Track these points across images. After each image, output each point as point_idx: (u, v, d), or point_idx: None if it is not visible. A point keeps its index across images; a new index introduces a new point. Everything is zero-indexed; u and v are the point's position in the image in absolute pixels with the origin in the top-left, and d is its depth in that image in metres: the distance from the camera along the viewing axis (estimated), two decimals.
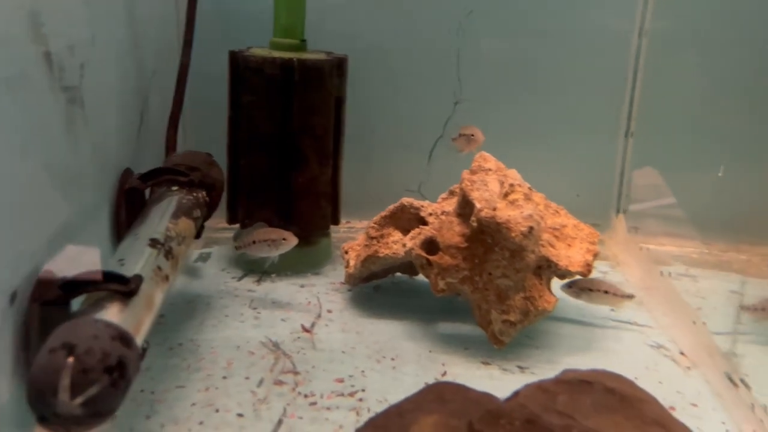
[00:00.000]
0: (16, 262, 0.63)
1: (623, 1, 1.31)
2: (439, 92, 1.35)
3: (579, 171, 1.37)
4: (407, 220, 1.07)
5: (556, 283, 1.00)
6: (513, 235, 0.90)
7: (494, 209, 0.92)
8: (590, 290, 0.98)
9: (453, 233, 0.97)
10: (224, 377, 0.85)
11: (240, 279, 1.14)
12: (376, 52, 1.31)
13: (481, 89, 1.35)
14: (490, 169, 1.03)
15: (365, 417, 0.74)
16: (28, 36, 0.67)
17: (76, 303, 0.68)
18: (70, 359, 0.58)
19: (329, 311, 1.04)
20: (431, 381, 0.82)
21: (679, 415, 0.80)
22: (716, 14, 1.23)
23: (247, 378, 0.85)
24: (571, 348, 0.97)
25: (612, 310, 1.06)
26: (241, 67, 1.12)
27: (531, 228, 0.91)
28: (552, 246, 0.99)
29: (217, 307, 1.03)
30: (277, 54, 1.11)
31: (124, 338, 0.62)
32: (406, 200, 1.07)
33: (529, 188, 1.03)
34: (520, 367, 0.92)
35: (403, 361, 0.92)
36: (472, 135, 1.08)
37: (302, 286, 1.13)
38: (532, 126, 1.35)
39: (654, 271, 1.18)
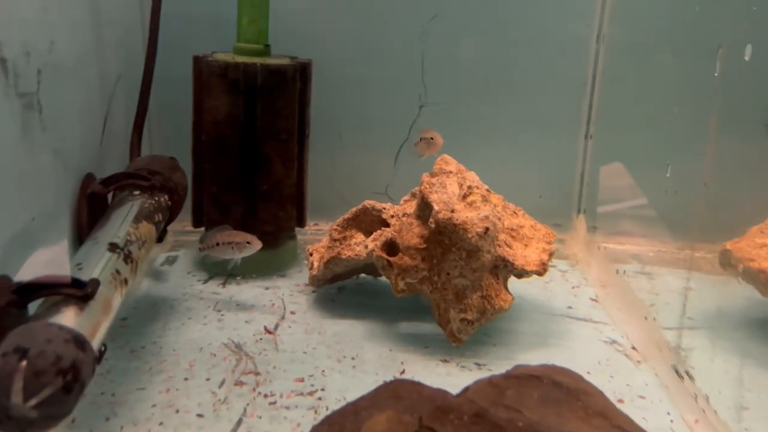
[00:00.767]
0: None
1: (582, 7, 1.34)
2: (405, 96, 1.37)
3: (541, 173, 1.40)
4: (370, 222, 1.09)
5: (513, 283, 1.02)
6: (469, 235, 0.93)
7: (452, 211, 0.95)
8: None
9: (412, 235, 0.99)
10: (185, 379, 0.86)
11: (205, 282, 1.15)
12: (342, 56, 1.33)
13: (445, 93, 1.37)
14: (450, 172, 1.05)
15: (323, 415, 0.76)
16: None
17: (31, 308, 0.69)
18: (23, 362, 0.59)
19: (293, 312, 1.06)
20: (390, 379, 0.84)
21: (627, 406, 0.83)
22: (669, 19, 1.27)
23: (208, 379, 0.86)
24: (528, 345, 1.00)
25: (569, 307, 1.09)
26: (204, 72, 1.13)
27: (487, 229, 0.93)
28: (509, 246, 1.02)
29: (181, 310, 1.04)
30: (240, 59, 1.13)
31: (78, 341, 0.63)
32: (368, 203, 1.09)
33: (487, 190, 1.05)
34: (477, 364, 0.94)
35: (363, 360, 0.93)
36: (432, 138, 1.10)
37: (267, 288, 1.14)
38: (496, 128, 1.38)
39: (611, 269, 1.22)
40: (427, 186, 1.01)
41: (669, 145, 1.22)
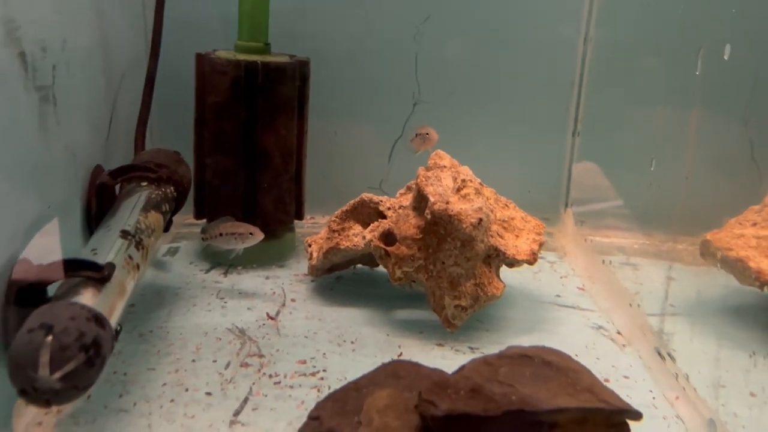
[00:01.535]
0: None
1: (570, 9, 1.39)
2: (399, 94, 1.42)
3: (530, 169, 1.45)
4: (367, 214, 1.13)
5: (505, 271, 1.07)
6: (464, 226, 0.97)
7: (447, 203, 0.99)
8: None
9: (409, 225, 1.03)
10: (193, 360, 0.90)
11: (207, 271, 1.19)
12: (339, 55, 1.37)
13: (438, 91, 1.42)
14: (444, 166, 1.10)
15: (326, 394, 0.80)
16: (4, 38, 0.71)
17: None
18: (49, 338, 0.63)
19: (293, 300, 1.10)
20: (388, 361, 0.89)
21: (613, 385, 0.87)
22: (654, 21, 1.33)
23: (214, 361, 0.90)
24: (518, 330, 1.04)
25: (557, 295, 1.14)
26: (207, 69, 1.17)
27: (480, 220, 0.98)
28: (501, 236, 1.06)
29: (185, 298, 1.08)
30: (241, 56, 1.17)
31: (98, 319, 0.67)
32: (366, 195, 1.13)
33: (480, 183, 1.10)
34: (471, 348, 0.99)
35: (362, 344, 0.98)
36: (427, 134, 1.15)
37: (267, 277, 1.18)
38: (487, 126, 1.43)
39: (597, 260, 1.27)
40: (423, 179, 1.05)
41: (653, 142, 1.28)
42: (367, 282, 1.19)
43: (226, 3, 1.28)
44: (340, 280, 1.19)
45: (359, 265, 1.22)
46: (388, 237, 1.05)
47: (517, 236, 1.08)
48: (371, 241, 1.05)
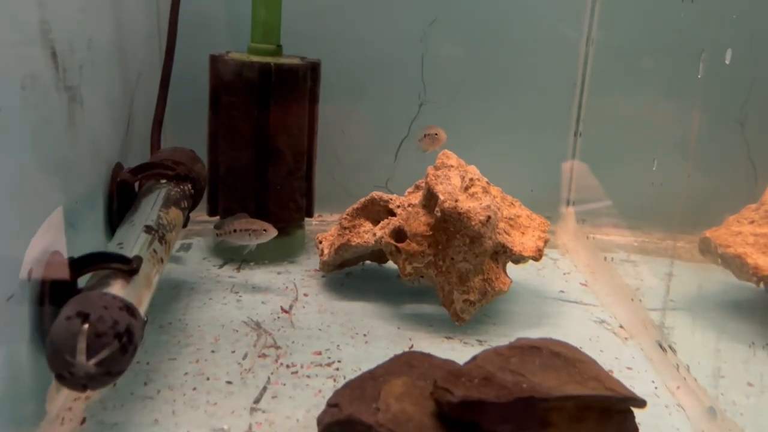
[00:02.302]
0: (29, 244, 0.71)
1: (572, 11, 1.43)
2: (405, 94, 1.45)
3: (533, 168, 1.49)
4: (377, 211, 1.17)
5: (510, 267, 1.11)
6: (473, 223, 1.01)
7: (456, 201, 1.03)
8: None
9: (419, 223, 1.07)
10: (212, 351, 0.93)
11: (221, 267, 1.22)
12: (347, 57, 1.40)
13: (444, 92, 1.45)
14: (452, 166, 1.13)
15: (341, 383, 0.83)
16: (39, 40, 0.74)
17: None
18: (86, 326, 0.66)
19: (305, 295, 1.13)
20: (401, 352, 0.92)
21: (616, 376, 0.91)
22: (655, 23, 1.37)
23: (233, 352, 0.94)
24: (524, 324, 1.08)
25: (561, 291, 1.18)
26: (221, 70, 1.20)
27: (489, 217, 1.02)
28: (507, 234, 1.10)
29: (201, 291, 1.11)
30: (255, 58, 1.20)
31: (129, 309, 0.71)
32: (376, 194, 1.17)
33: (487, 182, 1.13)
34: (479, 341, 1.02)
35: (374, 337, 1.01)
36: (436, 134, 1.18)
37: (279, 273, 1.21)
38: (490, 126, 1.47)
39: (599, 257, 1.31)
40: (433, 178, 1.09)
41: (654, 142, 1.32)
42: (376, 278, 1.22)
43: (236, 5, 1.31)
44: (350, 275, 1.23)
45: (368, 262, 1.26)
46: (398, 234, 1.08)
47: (523, 233, 1.12)
48: (382, 237, 1.09)
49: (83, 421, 0.77)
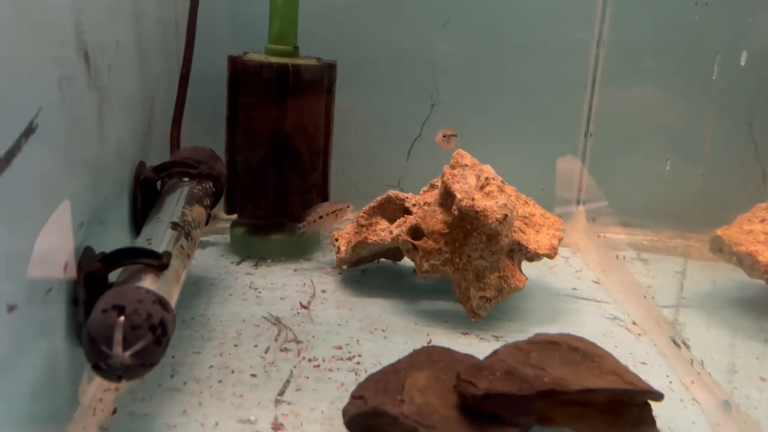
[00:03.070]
0: (63, 240, 0.73)
1: (583, 14, 1.45)
2: (418, 95, 1.47)
3: (544, 167, 1.51)
4: (393, 210, 1.19)
5: (523, 265, 1.13)
6: (489, 221, 1.03)
7: (473, 199, 1.05)
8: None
9: (436, 221, 1.09)
10: (235, 345, 0.95)
11: (238, 264, 1.24)
12: (362, 58, 1.42)
13: (456, 93, 1.47)
14: (466, 165, 1.15)
15: (363, 377, 0.85)
16: (74, 42, 0.77)
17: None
18: (121, 318, 0.68)
19: (323, 291, 1.15)
20: (420, 347, 0.94)
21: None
22: (665, 27, 1.39)
23: (255, 346, 0.96)
24: (539, 320, 1.10)
25: (574, 288, 1.20)
26: (239, 71, 1.22)
27: (505, 216, 1.04)
28: (522, 232, 1.12)
29: (220, 288, 1.13)
30: (273, 59, 1.22)
31: (162, 303, 0.73)
32: (392, 192, 1.19)
33: (502, 181, 1.15)
34: (495, 336, 1.04)
35: (392, 332, 1.03)
36: (452, 135, 1.21)
37: (296, 270, 1.23)
38: (502, 126, 1.49)
39: (610, 255, 1.33)
40: (449, 177, 1.11)
41: (664, 143, 1.34)
42: (392, 275, 1.24)
43: (253, 7, 1.33)
44: (366, 272, 1.25)
45: (383, 259, 1.28)
46: (415, 232, 1.10)
47: (537, 232, 1.14)
48: (399, 235, 1.11)
49: (114, 411, 0.80)
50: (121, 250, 0.79)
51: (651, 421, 0.79)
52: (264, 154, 1.24)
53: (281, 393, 0.85)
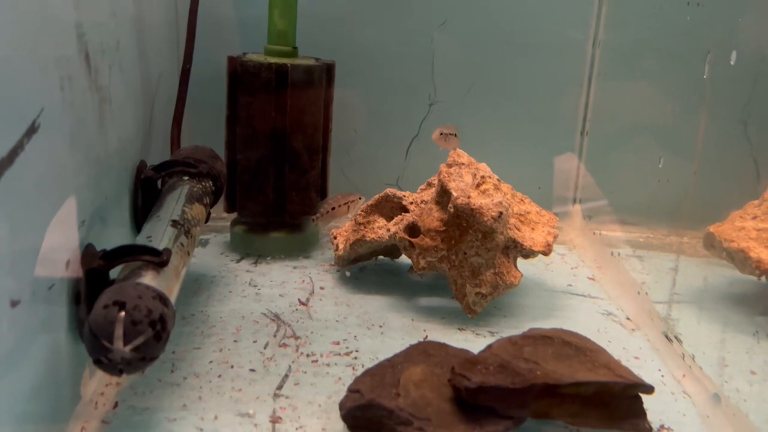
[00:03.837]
0: (66, 237, 0.74)
1: (579, 14, 1.46)
2: (416, 94, 1.49)
3: (540, 166, 1.52)
4: (390, 208, 1.20)
5: (519, 262, 1.14)
6: (485, 219, 1.04)
7: (469, 197, 1.06)
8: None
9: (432, 218, 1.10)
10: (234, 341, 0.97)
11: (238, 261, 1.26)
12: (360, 58, 1.44)
13: (453, 92, 1.49)
14: (463, 164, 1.17)
15: (360, 371, 0.87)
16: (75, 42, 0.78)
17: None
18: (122, 314, 0.70)
19: (321, 288, 1.17)
20: (416, 342, 0.96)
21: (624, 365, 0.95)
22: (659, 26, 1.40)
23: (254, 341, 0.97)
24: (534, 316, 1.12)
25: (569, 285, 1.21)
26: (239, 71, 1.24)
27: (500, 213, 1.05)
28: (518, 229, 1.13)
29: (220, 285, 1.15)
30: (272, 59, 1.24)
31: (162, 298, 0.74)
32: (390, 190, 1.20)
33: (498, 180, 1.17)
34: (490, 332, 1.06)
35: (389, 328, 1.05)
36: (451, 134, 1.22)
37: (295, 267, 1.25)
38: (499, 125, 1.50)
39: (605, 252, 1.34)
40: (446, 175, 1.12)
41: (658, 141, 1.36)
42: (389, 272, 1.26)
43: (252, 7, 1.35)
44: (364, 270, 1.26)
45: (381, 257, 1.29)
46: (412, 229, 1.12)
47: (533, 229, 1.15)
48: (396, 233, 1.12)
49: (115, 405, 0.81)
50: (122, 248, 0.80)
51: (642, 413, 0.81)
52: (263, 154, 1.25)
53: (280, 387, 0.87)
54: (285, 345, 0.97)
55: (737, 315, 1.11)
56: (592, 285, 1.25)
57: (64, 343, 0.74)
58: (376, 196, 1.20)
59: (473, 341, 1.02)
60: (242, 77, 1.24)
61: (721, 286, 1.19)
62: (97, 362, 0.70)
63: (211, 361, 0.91)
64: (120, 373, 0.70)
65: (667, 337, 1.02)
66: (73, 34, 0.78)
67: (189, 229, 0.94)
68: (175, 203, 0.99)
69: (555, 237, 1.15)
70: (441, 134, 1.23)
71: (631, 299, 1.16)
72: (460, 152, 1.20)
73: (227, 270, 1.21)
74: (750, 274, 1.09)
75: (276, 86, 1.22)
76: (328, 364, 0.93)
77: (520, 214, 1.17)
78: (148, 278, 0.78)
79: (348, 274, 1.22)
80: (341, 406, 0.79)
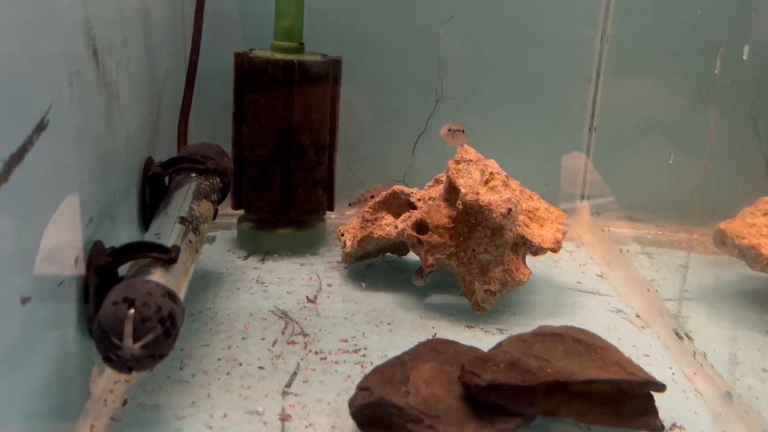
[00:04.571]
0: (75, 235, 0.74)
1: (587, 9, 1.45)
2: (422, 91, 1.48)
3: (548, 162, 1.52)
4: (398, 205, 1.20)
5: (527, 259, 1.14)
6: (494, 216, 1.04)
7: (477, 194, 1.06)
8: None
9: (441, 215, 1.10)
10: (243, 338, 0.97)
11: (245, 258, 1.25)
12: (367, 54, 1.43)
13: (460, 88, 1.48)
14: (471, 160, 1.16)
15: (369, 369, 0.86)
16: (83, 38, 0.78)
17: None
18: (131, 311, 0.69)
19: (329, 285, 1.16)
20: (425, 340, 0.95)
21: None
22: (669, 22, 1.39)
23: (262, 339, 0.97)
24: (543, 313, 1.11)
25: (578, 282, 1.21)
26: (246, 68, 1.23)
27: (509, 210, 1.04)
28: (527, 226, 1.13)
29: (228, 282, 1.14)
30: (279, 56, 1.23)
31: (171, 295, 0.74)
32: (397, 187, 1.20)
33: (506, 176, 1.16)
34: (499, 329, 1.05)
35: (397, 325, 1.04)
36: (461, 131, 1.22)
37: (302, 264, 1.25)
38: (506, 121, 1.49)
39: (614, 249, 1.34)
40: (454, 172, 1.12)
41: (667, 137, 1.35)
42: (397, 269, 1.25)
43: (259, 3, 1.34)
44: (371, 267, 1.26)
45: (388, 254, 1.29)
46: (420, 226, 1.11)
47: (541, 226, 1.15)
48: (404, 230, 1.12)
49: (125, 402, 0.81)
50: (130, 245, 0.80)
51: (654, 411, 0.80)
52: (270, 150, 1.25)
53: (288, 385, 0.87)
54: (293, 342, 0.97)
55: (748, 312, 1.10)
56: (601, 282, 1.24)
57: (74, 340, 0.74)
58: (384, 193, 1.20)
59: (482, 338, 1.02)
60: (249, 73, 1.23)
61: (732, 283, 1.18)
62: (107, 359, 0.69)
63: (219, 359, 0.91)
64: (129, 370, 0.70)
65: (677, 334, 1.01)
66: (81, 30, 0.77)
67: (197, 226, 0.94)
68: (182, 200, 0.98)
69: (564, 234, 1.14)
70: (449, 130, 1.22)
71: (641, 296, 1.15)
72: (467, 148, 1.19)
73: (234, 267, 1.21)
74: (761, 271, 1.08)
75: (283, 82, 1.22)
76: (336, 362, 0.93)
77: (529, 211, 1.16)
78: (157, 275, 0.78)
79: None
80: (351, 403, 0.79)
